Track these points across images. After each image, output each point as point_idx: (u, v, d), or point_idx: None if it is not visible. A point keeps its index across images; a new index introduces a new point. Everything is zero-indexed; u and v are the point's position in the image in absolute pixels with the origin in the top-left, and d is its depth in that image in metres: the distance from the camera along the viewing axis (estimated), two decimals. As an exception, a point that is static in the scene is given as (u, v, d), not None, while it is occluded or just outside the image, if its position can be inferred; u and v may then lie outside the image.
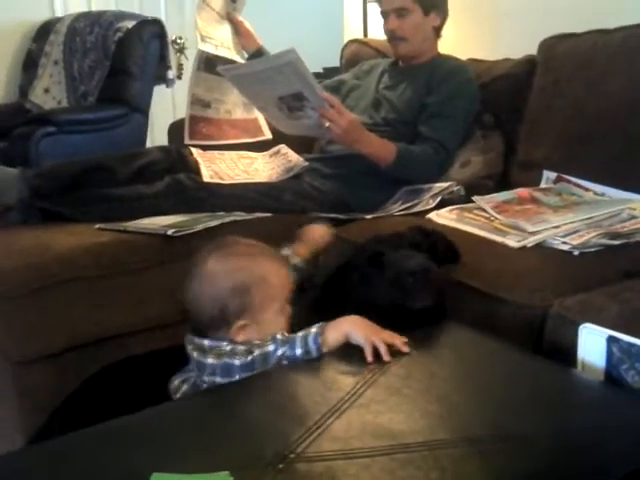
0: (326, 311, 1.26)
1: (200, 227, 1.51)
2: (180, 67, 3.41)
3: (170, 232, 1.46)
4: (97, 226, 1.54)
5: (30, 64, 2.96)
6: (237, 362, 1.00)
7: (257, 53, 2.00)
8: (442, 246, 1.31)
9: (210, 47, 1.95)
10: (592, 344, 0.93)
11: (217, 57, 1.95)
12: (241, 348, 1.02)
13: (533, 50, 1.95)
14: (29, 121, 2.58)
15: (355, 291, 1.23)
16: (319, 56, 2.69)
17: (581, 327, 0.94)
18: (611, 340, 0.90)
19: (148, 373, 1.24)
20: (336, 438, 0.78)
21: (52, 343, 1.35)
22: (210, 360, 1.02)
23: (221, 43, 1.99)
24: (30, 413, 1.31)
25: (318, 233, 1.46)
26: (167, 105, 3.32)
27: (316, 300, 1.36)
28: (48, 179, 1.64)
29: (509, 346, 1.02)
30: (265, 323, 1.06)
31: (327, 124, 1.70)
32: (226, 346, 1.04)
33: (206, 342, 1.06)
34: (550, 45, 1.89)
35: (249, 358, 1.00)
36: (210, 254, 1.09)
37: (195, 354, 1.05)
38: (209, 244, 1.12)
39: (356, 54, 2.35)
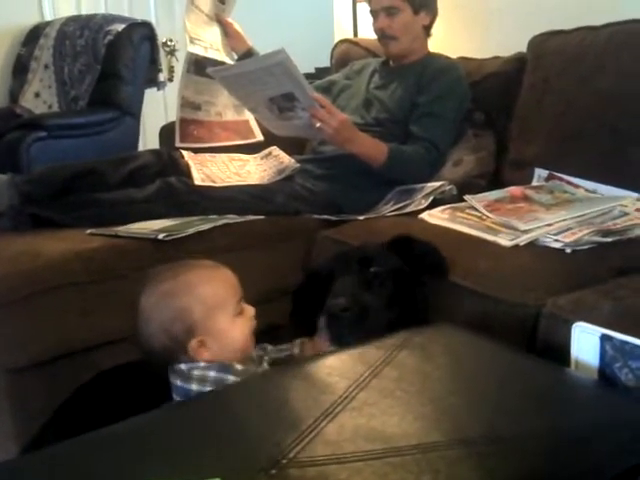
0: (299, 318, 1.28)
1: (192, 231, 1.50)
2: (171, 69, 3.41)
3: (161, 236, 1.46)
4: (88, 231, 1.53)
5: (20, 69, 2.95)
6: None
7: (247, 54, 2.00)
8: (430, 260, 1.30)
9: (199, 49, 1.94)
10: (585, 343, 0.92)
11: (207, 59, 1.94)
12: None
13: (523, 47, 1.96)
14: (19, 126, 2.56)
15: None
16: (310, 56, 2.69)
17: (574, 326, 0.94)
18: (604, 338, 0.90)
19: (141, 380, 1.24)
20: (329, 442, 0.78)
21: (43, 350, 1.34)
22: (194, 387, 1.03)
23: (210, 45, 1.99)
24: (23, 421, 1.31)
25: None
26: (158, 108, 3.32)
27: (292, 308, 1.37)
28: (38, 185, 1.63)
29: (502, 346, 1.02)
30: (222, 332, 1.06)
31: (318, 124, 1.69)
32: (203, 368, 1.04)
33: (182, 366, 1.05)
34: (539, 42, 1.89)
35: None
36: (141, 292, 1.08)
37: (178, 382, 1.05)
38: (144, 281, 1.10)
39: (347, 54, 2.35)
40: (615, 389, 0.89)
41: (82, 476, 0.75)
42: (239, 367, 1.06)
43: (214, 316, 1.05)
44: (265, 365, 1.16)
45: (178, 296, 1.05)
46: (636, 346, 0.86)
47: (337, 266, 1.26)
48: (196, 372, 1.04)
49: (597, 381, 0.92)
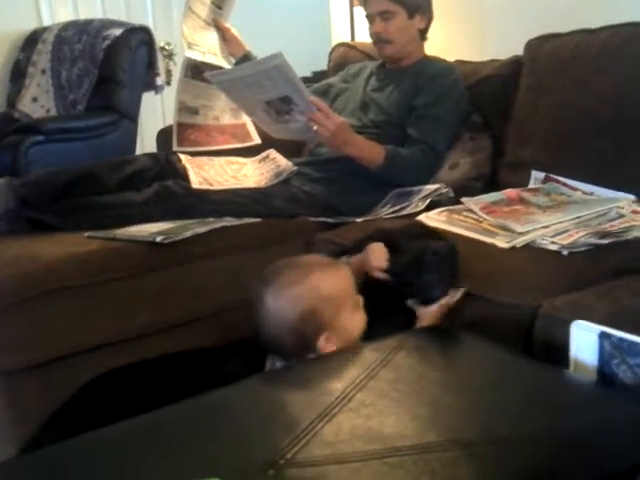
0: None
1: (189, 234, 1.50)
2: (169, 73, 3.41)
3: (159, 239, 1.46)
4: (86, 234, 1.53)
5: (18, 73, 2.95)
6: None
7: (244, 58, 2.01)
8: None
9: (197, 54, 1.95)
10: (584, 340, 0.93)
11: (204, 64, 1.95)
12: None
13: (519, 51, 1.96)
14: (17, 130, 2.56)
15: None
16: (308, 60, 2.70)
17: (573, 324, 0.95)
18: (603, 336, 0.91)
19: (140, 383, 1.24)
20: (326, 443, 0.78)
21: (40, 353, 1.34)
22: None
23: (208, 50, 1.99)
24: (20, 423, 1.30)
25: (379, 263, 1.29)
26: (156, 112, 3.32)
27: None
28: (36, 188, 1.63)
29: (499, 347, 1.02)
30: (345, 326, 1.12)
31: (315, 128, 1.70)
32: None
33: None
34: (536, 45, 1.89)
35: None
36: (264, 291, 1.12)
37: None
38: (261, 276, 1.15)
39: (344, 57, 2.36)
40: (613, 389, 0.89)
41: (80, 477, 0.75)
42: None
43: (340, 313, 1.11)
44: None
45: (308, 300, 1.10)
46: (634, 343, 0.87)
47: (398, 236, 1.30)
48: None
49: (595, 382, 0.92)
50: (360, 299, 1.16)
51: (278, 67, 1.59)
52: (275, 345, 1.13)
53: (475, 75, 2.01)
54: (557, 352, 1.03)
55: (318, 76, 2.71)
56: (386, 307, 1.22)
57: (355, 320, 1.14)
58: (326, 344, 1.10)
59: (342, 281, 1.15)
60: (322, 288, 1.11)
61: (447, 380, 0.93)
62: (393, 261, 1.24)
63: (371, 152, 1.78)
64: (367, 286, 1.24)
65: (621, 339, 0.88)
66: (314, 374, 0.96)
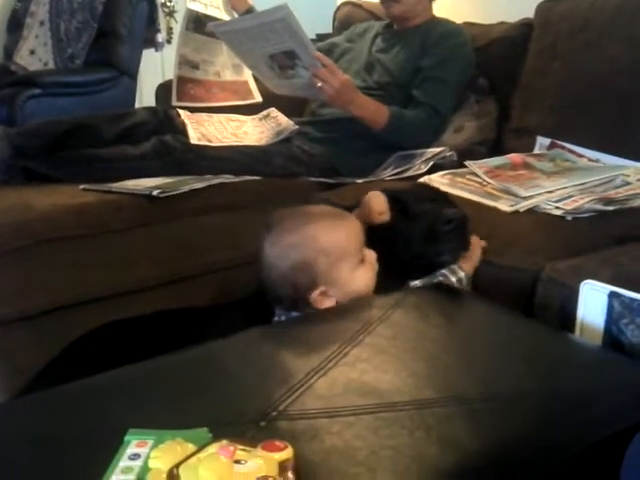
0: None
1: (186, 189, 1.48)
2: (170, 31, 3.34)
3: (155, 193, 1.43)
4: (81, 186, 1.51)
5: (15, 24, 2.89)
6: None
7: (247, 13, 1.95)
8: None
9: (199, 6, 1.90)
10: (593, 301, 0.92)
11: (206, 17, 1.91)
12: None
13: (530, 13, 1.91)
14: (14, 83, 2.52)
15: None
16: (311, 22, 2.63)
17: (582, 283, 0.94)
18: (612, 295, 0.90)
19: (133, 338, 1.23)
20: (320, 396, 0.76)
21: (32, 303, 1.32)
22: None
23: (210, 2, 1.94)
24: (12, 374, 1.29)
25: (379, 208, 1.25)
26: (156, 69, 3.25)
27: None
28: (32, 138, 1.60)
29: (499, 308, 1.00)
30: (345, 281, 1.06)
31: (319, 84, 1.66)
32: None
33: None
34: (547, 8, 1.85)
35: None
36: (264, 237, 1.08)
37: None
38: (267, 221, 1.11)
39: (349, 16, 2.31)
40: (614, 352, 0.89)
41: (64, 424, 0.74)
42: None
43: (337, 267, 1.05)
44: None
45: (301, 249, 1.05)
46: None
47: (407, 197, 1.25)
48: None
49: (600, 344, 0.91)
50: (370, 254, 1.10)
51: (283, 19, 1.55)
52: (273, 296, 1.09)
53: (483, 38, 1.97)
54: (558, 315, 1.01)
55: (322, 39, 2.65)
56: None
57: (357, 276, 1.07)
58: (320, 298, 1.05)
59: (345, 234, 1.08)
60: (320, 239, 1.06)
61: (446, 338, 0.91)
62: (405, 229, 1.19)
63: (375, 112, 1.74)
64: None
65: (632, 299, 0.88)
66: (310, 329, 0.94)
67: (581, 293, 0.93)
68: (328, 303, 1.05)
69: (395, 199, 1.25)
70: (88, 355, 1.21)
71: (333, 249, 1.06)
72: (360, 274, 1.08)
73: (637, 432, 0.62)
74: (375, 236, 1.20)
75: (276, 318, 1.10)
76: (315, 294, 1.04)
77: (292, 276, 1.05)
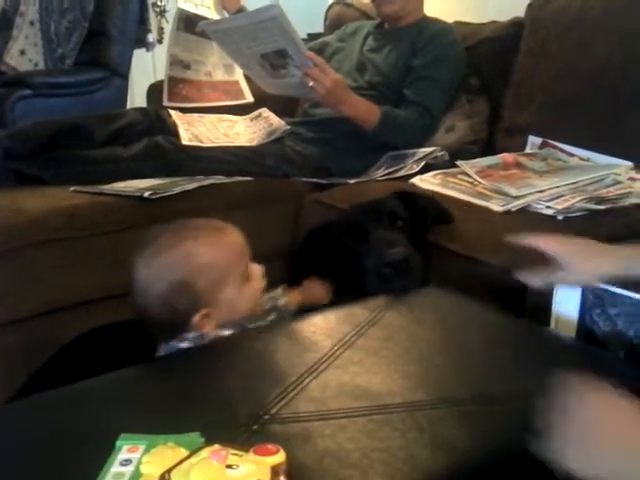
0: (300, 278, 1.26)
1: (177, 190, 1.47)
2: (161, 31, 3.33)
3: (147, 194, 1.43)
4: (72, 188, 1.50)
5: (4, 24, 2.86)
6: None
7: (238, 13, 1.95)
8: (433, 212, 1.30)
9: (190, 6, 1.89)
10: (567, 293, 0.94)
11: (197, 16, 1.90)
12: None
13: (520, 12, 1.91)
14: (4, 84, 2.50)
15: (333, 260, 1.22)
16: (303, 21, 2.63)
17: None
18: (586, 287, 0.92)
19: (125, 342, 1.22)
20: (312, 399, 0.76)
21: (23, 306, 1.31)
22: None
23: (201, 2, 1.94)
24: (2, 377, 1.28)
25: (319, 294, 1.20)
26: (147, 70, 3.24)
27: (291, 268, 1.35)
28: (21, 140, 1.59)
29: (490, 309, 1.00)
30: (229, 301, 0.97)
31: (311, 83, 1.66)
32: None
33: (191, 335, 0.96)
34: (538, 6, 1.85)
35: None
36: (137, 258, 0.97)
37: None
38: (139, 242, 0.99)
39: (340, 16, 2.30)
40: (598, 350, 0.91)
41: (56, 428, 0.73)
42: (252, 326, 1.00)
43: (220, 287, 0.96)
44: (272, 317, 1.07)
45: (179, 268, 0.94)
46: (615, 293, 0.89)
47: (368, 219, 1.24)
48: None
49: (580, 342, 0.94)
50: (256, 269, 1.01)
51: (275, 18, 1.55)
52: (151, 324, 0.97)
53: (474, 37, 1.97)
54: (549, 315, 1.01)
55: (313, 38, 2.65)
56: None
57: (244, 294, 0.98)
58: (203, 322, 0.95)
59: (226, 250, 0.98)
60: (197, 256, 0.95)
61: (437, 340, 0.91)
62: (358, 265, 1.15)
63: (367, 112, 1.74)
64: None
65: (604, 290, 0.89)
66: (301, 331, 0.94)
67: (555, 287, 0.93)
68: (209, 326, 0.95)
69: (356, 224, 1.24)
70: (80, 359, 1.20)
71: (214, 267, 0.96)
72: (247, 291, 0.99)
73: None
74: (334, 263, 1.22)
75: (158, 354, 0.99)
76: (197, 318, 0.94)
77: (171, 299, 0.94)
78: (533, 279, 0.92)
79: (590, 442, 0.59)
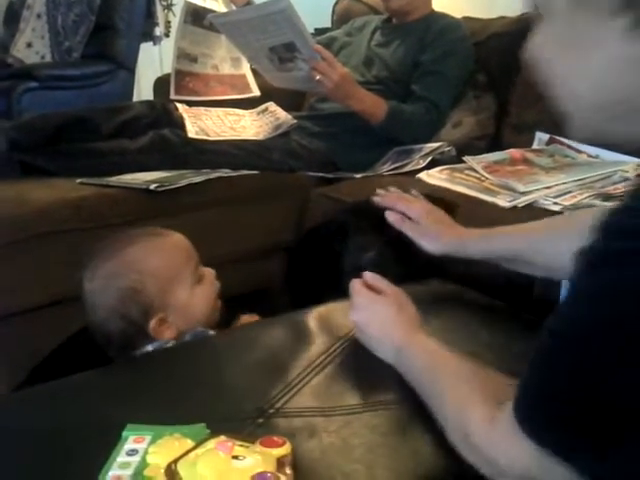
0: (297, 278, 1.25)
1: (184, 183, 1.47)
2: (167, 24, 3.33)
3: (153, 187, 1.43)
4: (78, 180, 1.50)
5: (12, 17, 2.87)
6: None
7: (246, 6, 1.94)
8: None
9: (198, -1, 1.89)
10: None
11: (205, 9, 1.89)
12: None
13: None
14: (11, 76, 2.51)
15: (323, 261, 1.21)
16: (310, 16, 2.62)
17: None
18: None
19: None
20: (317, 394, 0.76)
21: (29, 298, 1.32)
22: None
23: (209, -6, 1.94)
24: (7, 369, 1.29)
25: None
26: (154, 63, 3.24)
27: (288, 265, 1.35)
28: (28, 131, 1.59)
29: (496, 304, 1.00)
30: (182, 304, 0.95)
31: (318, 77, 1.65)
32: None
33: (150, 347, 0.93)
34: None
35: None
36: (82, 274, 0.95)
37: None
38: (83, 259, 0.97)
39: (348, 11, 2.29)
40: None
41: (62, 418, 0.73)
42: (212, 332, 0.98)
43: (170, 290, 0.94)
44: None
45: (125, 275, 0.93)
46: None
47: (352, 221, 1.23)
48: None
49: None
50: (208, 272, 1.00)
51: (283, 11, 1.54)
52: (105, 338, 0.95)
53: (483, 32, 1.95)
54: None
55: (321, 33, 2.64)
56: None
57: (196, 297, 0.96)
58: (161, 328, 0.93)
59: (169, 253, 0.96)
60: (142, 262, 0.93)
61: (441, 333, 0.90)
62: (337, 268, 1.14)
63: (374, 106, 1.74)
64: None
65: None
66: (305, 325, 0.94)
67: (563, 282, 0.93)
68: (169, 332, 0.94)
69: (341, 226, 1.21)
70: (83, 350, 1.20)
71: (161, 270, 0.94)
72: (199, 294, 0.97)
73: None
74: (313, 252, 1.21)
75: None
76: (153, 322, 0.92)
77: (121, 308, 0.92)
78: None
79: (368, 336, 0.82)
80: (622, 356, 0.46)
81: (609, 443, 0.49)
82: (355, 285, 0.86)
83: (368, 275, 0.86)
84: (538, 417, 0.52)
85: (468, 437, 0.60)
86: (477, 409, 0.59)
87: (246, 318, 1.06)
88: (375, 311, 0.82)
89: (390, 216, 1.04)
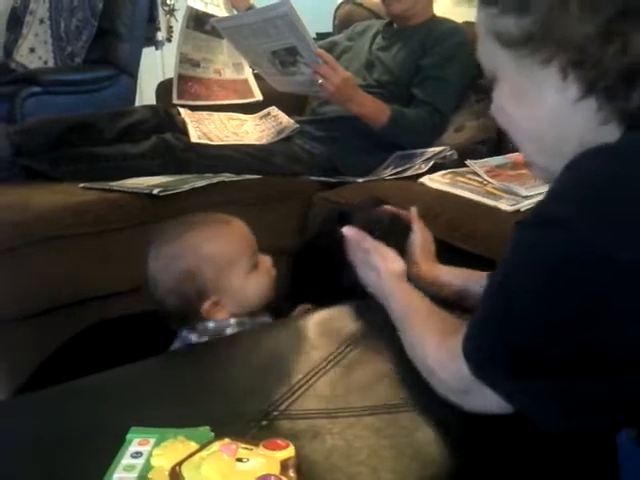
0: (299, 287, 1.25)
1: (186, 187, 1.48)
2: (170, 29, 3.34)
3: (156, 191, 1.43)
4: (81, 185, 1.51)
5: (15, 22, 2.88)
6: None
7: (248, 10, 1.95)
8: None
9: (199, 4, 1.90)
10: None
11: (206, 14, 1.90)
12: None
13: (531, 12, 1.90)
14: (14, 81, 2.51)
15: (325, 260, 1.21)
16: (312, 21, 2.63)
17: None
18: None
19: (131, 335, 1.22)
20: (320, 397, 0.76)
21: (32, 302, 1.32)
22: None
23: (211, 0, 1.94)
24: (11, 373, 1.29)
25: None
26: (156, 68, 3.26)
27: (292, 271, 1.34)
28: (32, 136, 1.60)
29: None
30: (236, 289, 1.00)
31: (320, 81, 1.66)
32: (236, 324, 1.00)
33: (211, 323, 0.99)
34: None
35: None
36: (147, 251, 1.01)
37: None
38: (152, 235, 1.04)
39: (349, 15, 2.30)
40: None
41: (64, 423, 0.73)
42: (267, 319, 1.03)
43: (226, 274, 0.99)
44: None
45: (184, 258, 0.98)
46: None
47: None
48: (229, 330, 0.99)
49: None
50: (265, 260, 1.04)
51: (285, 15, 1.55)
52: (164, 313, 1.01)
53: (484, 37, 1.95)
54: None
55: (322, 38, 2.65)
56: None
57: (251, 283, 1.00)
58: (213, 309, 0.98)
59: (230, 240, 1.01)
60: (202, 246, 0.99)
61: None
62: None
63: (376, 110, 1.74)
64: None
65: None
66: (308, 329, 0.94)
67: None
68: (221, 314, 0.99)
69: (341, 216, 1.20)
70: (83, 353, 1.21)
71: (218, 256, 0.99)
72: (254, 281, 1.01)
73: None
74: (316, 258, 1.21)
75: (173, 346, 1.03)
76: (207, 305, 0.98)
77: (178, 288, 0.98)
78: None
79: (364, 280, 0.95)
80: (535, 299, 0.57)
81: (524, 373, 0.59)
82: (351, 249, 0.98)
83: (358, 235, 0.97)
84: (477, 351, 0.63)
85: (426, 359, 0.74)
86: (435, 337, 0.74)
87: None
88: (370, 268, 0.94)
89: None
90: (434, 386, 0.72)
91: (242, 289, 1.00)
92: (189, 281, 0.97)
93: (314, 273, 1.26)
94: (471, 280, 0.96)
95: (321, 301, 1.05)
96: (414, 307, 0.83)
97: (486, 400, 0.64)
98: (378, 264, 0.92)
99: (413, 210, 1.07)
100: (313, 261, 1.29)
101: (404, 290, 0.87)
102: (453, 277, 0.99)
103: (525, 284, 0.58)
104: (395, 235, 1.07)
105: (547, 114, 0.64)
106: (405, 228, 1.10)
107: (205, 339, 0.99)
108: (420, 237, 1.04)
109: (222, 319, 0.99)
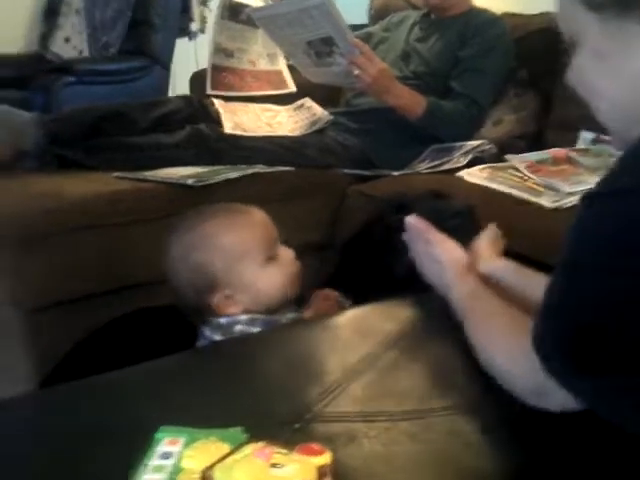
0: (346, 279, 1.21)
1: (220, 178, 1.47)
2: (203, 20, 3.33)
3: (190, 182, 1.42)
4: (115, 174, 1.50)
5: (51, 13, 2.90)
6: None
7: (284, 0, 1.93)
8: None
9: (234, -7, 1.88)
10: None
11: (241, 4, 1.89)
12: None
13: (575, 3, 1.85)
14: (49, 71, 2.53)
15: (378, 250, 1.18)
16: (347, 12, 2.59)
17: None
18: None
19: (160, 326, 1.21)
20: (355, 399, 0.74)
21: (63, 290, 1.31)
22: None
23: (246, -10, 1.93)
24: (41, 361, 1.29)
25: (324, 307, 1.10)
26: (189, 59, 3.24)
27: (336, 266, 1.31)
28: (66, 125, 1.61)
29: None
30: (249, 283, 0.96)
31: (356, 72, 1.63)
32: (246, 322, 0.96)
33: (223, 320, 0.96)
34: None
35: None
36: (168, 238, 1.00)
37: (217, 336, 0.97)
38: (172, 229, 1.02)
39: (386, 6, 2.26)
40: None
41: (93, 419, 0.72)
42: (286, 319, 0.99)
43: (238, 268, 0.95)
44: None
45: (197, 249, 0.96)
46: None
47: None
48: (238, 327, 0.96)
49: None
50: (286, 253, 1.00)
51: (321, 5, 1.53)
52: (181, 303, 0.99)
53: (524, 28, 1.91)
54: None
55: (357, 29, 2.62)
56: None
57: (265, 277, 0.96)
58: (224, 303, 0.95)
59: (245, 231, 0.97)
60: (215, 237, 0.96)
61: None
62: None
63: (412, 102, 1.70)
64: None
65: None
66: (343, 329, 0.91)
67: None
68: (233, 309, 0.95)
69: (400, 206, 1.16)
70: (108, 345, 1.20)
71: (230, 247, 0.96)
72: (268, 274, 0.97)
73: None
74: (368, 249, 1.17)
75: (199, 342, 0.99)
76: (217, 298, 0.95)
77: (191, 279, 0.96)
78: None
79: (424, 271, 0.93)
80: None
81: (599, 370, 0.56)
82: (412, 239, 0.95)
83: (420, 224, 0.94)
84: (544, 339, 0.60)
85: (494, 359, 0.71)
86: (506, 336, 0.71)
87: (325, 294, 1.08)
88: (432, 259, 0.92)
89: None
90: (509, 386, 0.68)
91: (254, 282, 0.96)
92: (201, 272, 0.95)
93: (364, 264, 1.22)
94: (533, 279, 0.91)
95: (370, 293, 1.01)
96: (480, 303, 0.80)
97: (566, 398, 0.61)
98: (441, 255, 0.90)
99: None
100: (362, 252, 1.26)
101: (470, 283, 0.84)
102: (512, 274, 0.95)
103: (591, 257, 0.56)
104: (467, 228, 1.04)
105: (632, 79, 0.61)
106: (477, 222, 1.07)
107: (218, 337, 0.96)
108: (492, 232, 1.02)
109: (233, 314, 0.95)
